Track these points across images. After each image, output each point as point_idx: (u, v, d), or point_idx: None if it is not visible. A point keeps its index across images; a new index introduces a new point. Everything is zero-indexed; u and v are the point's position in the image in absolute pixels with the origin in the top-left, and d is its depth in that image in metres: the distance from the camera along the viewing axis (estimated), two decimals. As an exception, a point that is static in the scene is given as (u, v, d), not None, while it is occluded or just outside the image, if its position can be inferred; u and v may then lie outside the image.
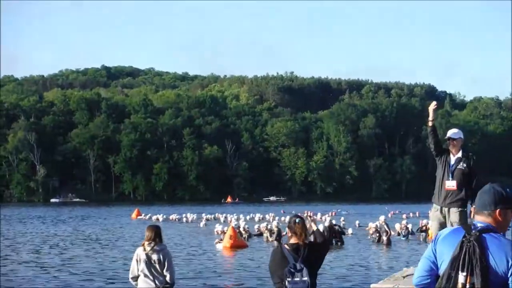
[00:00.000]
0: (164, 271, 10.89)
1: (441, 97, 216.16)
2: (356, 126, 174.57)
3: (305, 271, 7.55)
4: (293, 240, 7.85)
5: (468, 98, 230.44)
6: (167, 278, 10.95)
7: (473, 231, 4.50)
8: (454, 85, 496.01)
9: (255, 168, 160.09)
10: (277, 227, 37.63)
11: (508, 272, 4.39)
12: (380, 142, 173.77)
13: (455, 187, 11.15)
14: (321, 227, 39.95)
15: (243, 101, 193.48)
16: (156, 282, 10.84)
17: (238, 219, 54.05)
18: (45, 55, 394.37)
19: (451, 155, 11.41)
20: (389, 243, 33.72)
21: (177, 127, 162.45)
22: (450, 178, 11.26)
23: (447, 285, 4.43)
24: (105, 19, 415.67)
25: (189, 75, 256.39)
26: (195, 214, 64.32)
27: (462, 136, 11.48)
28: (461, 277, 4.39)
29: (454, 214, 11.12)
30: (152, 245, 10.86)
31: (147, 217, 66.16)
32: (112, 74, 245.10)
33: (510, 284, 4.38)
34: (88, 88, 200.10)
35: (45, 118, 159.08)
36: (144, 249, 10.94)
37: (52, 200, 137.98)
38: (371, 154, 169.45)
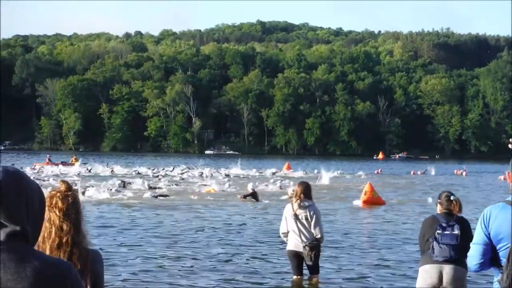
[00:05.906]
0: (312, 227, 11.13)
1: None
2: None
3: (456, 227, 8.07)
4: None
5: None
6: (315, 235, 11.15)
7: None
8: None
9: (407, 125, 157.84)
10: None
11: None
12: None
13: None
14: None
15: (397, 57, 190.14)
16: (303, 238, 11.07)
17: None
18: (202, 10, 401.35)
19: None
20: None
21: (329, 82, 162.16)
22: None
23: None
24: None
25: (343, 30, 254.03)
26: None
27: None
28: None
29: None
30: (299, 201, 11.14)
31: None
32: (266, 29, 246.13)
33: None
34: (243, 42, 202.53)
35: (201, 71, 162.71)
36: (292, 206, 11.32)
37: (207, 152, 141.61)
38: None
